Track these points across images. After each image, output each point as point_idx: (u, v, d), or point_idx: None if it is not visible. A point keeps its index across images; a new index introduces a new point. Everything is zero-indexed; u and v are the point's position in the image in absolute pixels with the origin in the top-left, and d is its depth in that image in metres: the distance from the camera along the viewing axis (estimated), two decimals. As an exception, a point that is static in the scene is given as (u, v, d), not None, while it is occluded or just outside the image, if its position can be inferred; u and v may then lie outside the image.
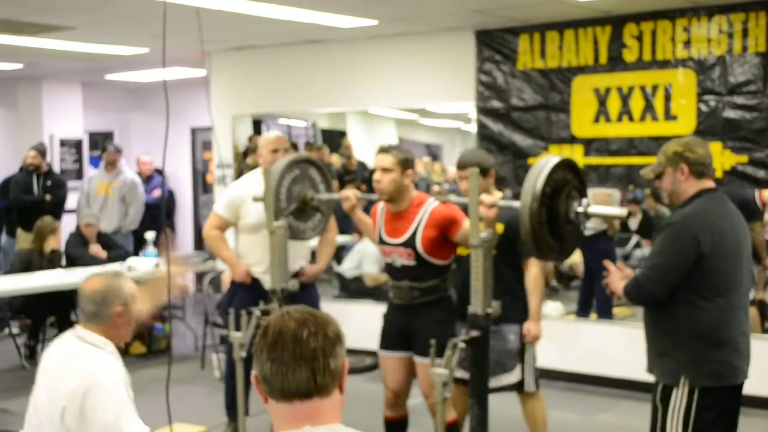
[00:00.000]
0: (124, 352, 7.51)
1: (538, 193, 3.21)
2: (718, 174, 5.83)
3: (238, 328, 4.30)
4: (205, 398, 6.14)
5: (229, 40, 7.57)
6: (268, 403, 1.83)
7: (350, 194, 4.33)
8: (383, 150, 4.19)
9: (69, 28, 6.55)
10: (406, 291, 4.22)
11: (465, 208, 4.04)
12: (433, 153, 12.06)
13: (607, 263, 3.63)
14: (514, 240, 4.11)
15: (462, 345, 3.26)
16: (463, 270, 4.32)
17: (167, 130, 3.84)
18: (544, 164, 3.27)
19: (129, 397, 2.95)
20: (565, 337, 6.60)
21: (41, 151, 8.72)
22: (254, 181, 4.98)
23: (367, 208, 4.64)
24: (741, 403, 3.50)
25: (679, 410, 3.33)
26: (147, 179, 9.71)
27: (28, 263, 7.17)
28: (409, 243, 4.17)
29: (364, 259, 7.95)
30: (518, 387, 4.49)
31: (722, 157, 5.82)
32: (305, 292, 4.89)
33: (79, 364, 2.92)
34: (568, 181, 3.33)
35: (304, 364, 1.78)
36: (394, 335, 4.32)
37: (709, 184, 3.42)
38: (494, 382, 4.20)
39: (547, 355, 6.51)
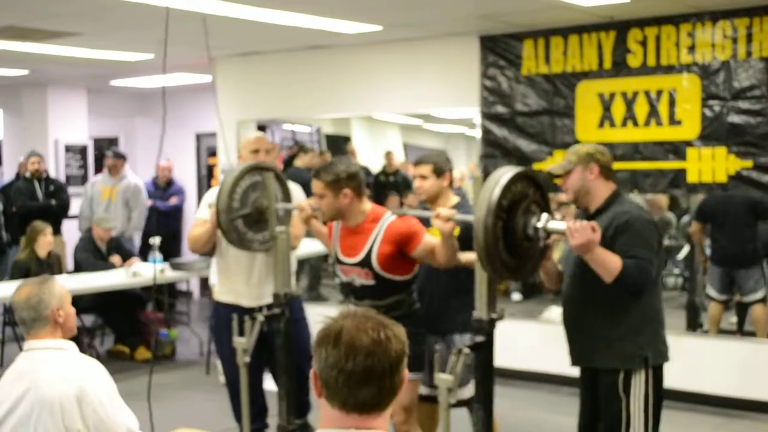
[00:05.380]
0: (130, 357, 7.53)
1: (493, 205, 3.07)
2: (723, 179, 5.84)
3: (241, 333, 4.29)
4: (210, 403, 6.14)
5: (235, 46, 7.59)
6: (321, 399, 1.82)
7: (305, 205, 4.19)
8: (315, 175, 3.97)
9: (74, 34, 6.57)
10: None
11: (423, 221, 3.96)
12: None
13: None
14: (470, 244, 3.78)
15: (467, 351, 3.25)
16: (421, 278, 4.17)
17: (162, 136, 3.85)
18: (501, 175, 3.15)
19: (113, 387, 2.97)
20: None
21: (41, 155, 8.77)
22: None
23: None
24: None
25: (639, 396, 3.46)
26: (166, 185, 9.66)
27: (25, 271, 7.10)
28: (365, 262, 3.96)
29: None
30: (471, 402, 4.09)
31: (727, 162, 5.82)
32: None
33: (56, 374, 2.90)
34: (528, 194, 3.22)
35: (372, 382, 1.76)
36: None
37: (614, 186, 3.61)
38: (468, 392, 4.04)
39: (551, 360, 6.52)
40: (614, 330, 3.49)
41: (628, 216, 3.45)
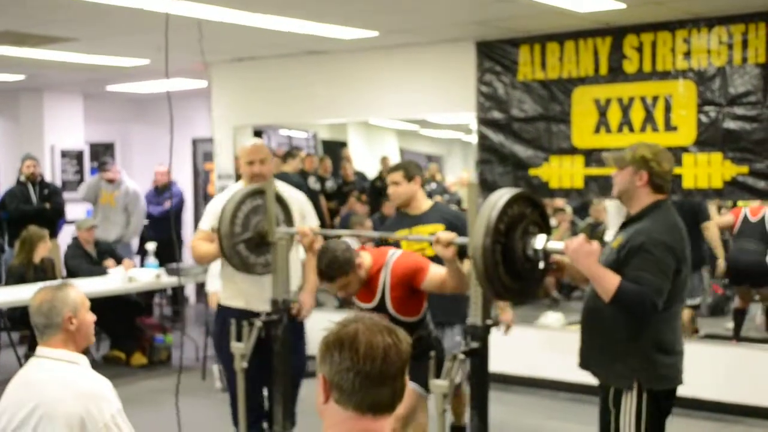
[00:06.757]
0: (125, 363, 7.51)
1: (491, 230, 3.03)
2: (719, 184, 5.85)
3: (239, 338, 4.29)
4: (207, 409, 6.13)
5: (231, 52, 7.59)
6: (327, 404, 1.83)
7: (307, 230, 4.18)
8: (328, 278, 3.86)
9: (71, 39, 6.57)
10: None
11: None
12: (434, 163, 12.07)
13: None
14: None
15: (462, 357, 3.25)
16: None
17: (171, 142, 3.86)
18: (497, 199, 3.10)
19: (119, 408, 2.92)
20: (566, 348, 6.58)
21: (36, 159, 8.77)
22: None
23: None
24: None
25: (631, 412, 3.39)
26: (163, 189, 9.65)
27: (20, 277, 7.07)
28: (381, 308, 3.96)
29: None
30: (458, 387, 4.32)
31: (722, 168, 5.83)
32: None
33: (64, 392, 2.85)
34: (526, 215, 3.17)
35: (388, 382, 1.80)
36: None
37: (662, 196, 3.44)
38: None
39: (549, 365, 6.52)
40: (611, 347, 3.42)
41: (645, 237, 3.30)
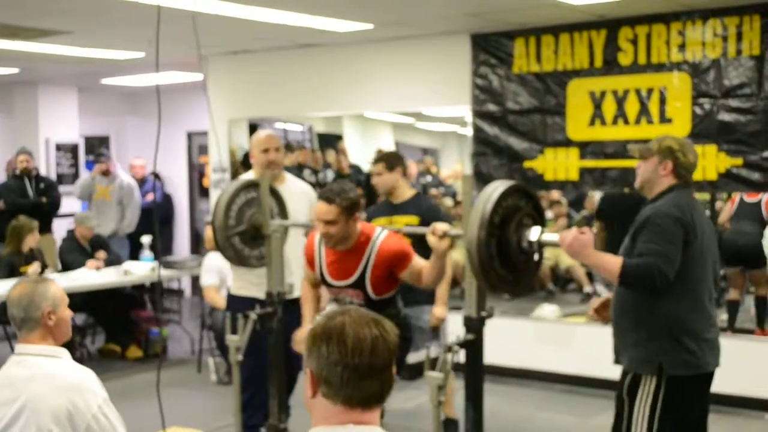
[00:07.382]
0: (121, 356, 7.52)
1: (486, 222, 3.04)
2: (713, 176, 5.85)
3: (234, 331, 4.30)
4: (202, 402, 6.14)
5: (226, 45, 7.58)
6: (315, 398, 1.82)
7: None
8: (325, 199, 3.77)
9: (65, 32, 6.55)
10: None
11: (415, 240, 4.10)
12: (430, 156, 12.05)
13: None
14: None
15: (457, 348, 3.26)
16: None
17: (158, 134, 3.85)
18: (491, 191, 3.11)
19: (105, 397, 2.90)
20: (561, 340, 6.62)
21: (30, 153, 8.75)
22: None
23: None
24: (710, 393, 3.55)
25: (647, 400, 3.37)
26: (140, 183, 9.70)
27: (10, 266, 7.01)
28: (359, 284, 3.91)
29: None
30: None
31: (717, 160, 5.84)
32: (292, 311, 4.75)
33: (49, 386, 2.83)
34: (520, 207, 3.18)
35: (376, 375, 1.78)
36: None
37: (675, 182, 3.47)
38: (414, 358, 4.09)
39: (544, 357, 6.54)
40: (633, 333, 3.43)
41: (651, 212, 3.35)
